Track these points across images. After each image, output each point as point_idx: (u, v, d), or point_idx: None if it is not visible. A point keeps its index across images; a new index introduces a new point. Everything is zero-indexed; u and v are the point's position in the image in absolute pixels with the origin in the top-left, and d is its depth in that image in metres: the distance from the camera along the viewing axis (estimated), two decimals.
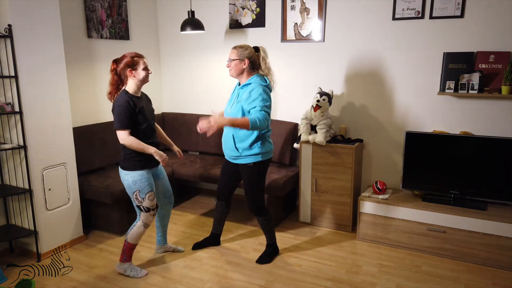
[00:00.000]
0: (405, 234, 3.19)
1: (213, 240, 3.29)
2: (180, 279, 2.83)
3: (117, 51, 3.89)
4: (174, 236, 3.47)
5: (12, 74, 2.83)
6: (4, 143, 2.99)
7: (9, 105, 2.87)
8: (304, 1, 3.68)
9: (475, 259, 2.98)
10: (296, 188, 3.80)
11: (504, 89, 2.96)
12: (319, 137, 3.41)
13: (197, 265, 3.00)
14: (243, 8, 3.98)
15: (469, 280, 2.80)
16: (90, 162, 3.65)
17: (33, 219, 3.03)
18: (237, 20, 4.04)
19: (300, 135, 3.56)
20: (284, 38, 3.86)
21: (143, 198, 2.72)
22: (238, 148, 2.80)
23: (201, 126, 2.60)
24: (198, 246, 3.25)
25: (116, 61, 2.67)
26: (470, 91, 3.06)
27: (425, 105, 3.39)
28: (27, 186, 2.99)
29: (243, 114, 2.72)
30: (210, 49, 4.26)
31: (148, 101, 2.86)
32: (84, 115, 3.77)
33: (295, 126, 3.80)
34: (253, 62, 2.79)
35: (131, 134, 2.63)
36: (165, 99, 4.69)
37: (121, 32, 4.03)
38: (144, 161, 2.70)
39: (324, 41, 3.68)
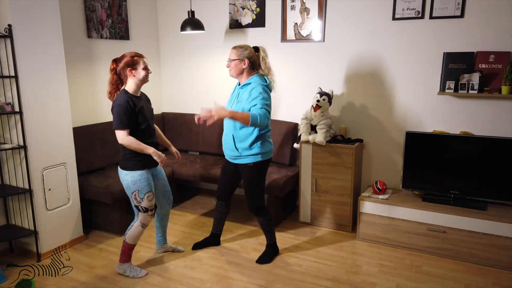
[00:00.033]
0: (405, 234, 3.19)
1: (213, 240, 3.29)
2: (180, 279, 2.83)
3: (117, 51, 3.89)
4: (174, 236, 3.47)
5: (12, 74, 2.83)
6: (4, 143, 2.99)
7: (9, 105, 2.87)
8: (304, 1, 3.68)
9: (475, 259, 2.98)
10: (296, 188, 3.80)
11: (504, 89, 2.96)
12: (319, 137, 3.41)
13: (197, 265, 3.00)
14: (243, 8, 3.98)
15: (469, 280, 2.80)
16: (90, 162, 3.65)
17: (33, 219, 3.03)
18: (237, 20, 4.04)
19: (300, 135, 3.55)
20: (284, 38, 3.86)
21: (142, 198, 2.71)
22: (238, 148, 2.80)
23: (202, 115, 2.59)
24: (198, 246, 3.25)
25: (116, 61, 2.67)
26: (470, 91, 3.06)
27: (425, 105, 3.39)
28: (27, 186, 2.99)
29: None
30: (210, 49, 4.26)
31: (147, 101, 2.86)
32: (84, 115, 3.77)
33: (295, 126, 3.80)
34: (253, 62, 2.79)
35: (131, 134, 2.63)
36: (165, 99, 4.69)
37: (121, 32, 4.04)
38: (144, 161, 2.70)
39: (324, 41, 3.68)
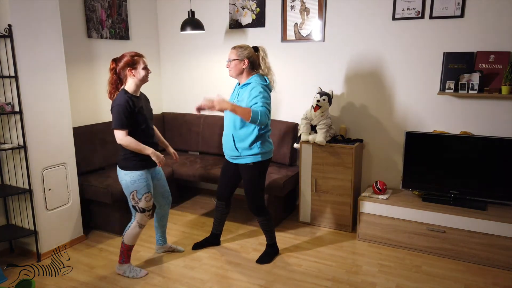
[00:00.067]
0: (405, 234, 3.19)
1: (213, 240, 3.29)
2: (180, 279, 2.83)
3: (117, 51, 3.89)
4: (174, 236, 3.47)
5: (12, 74, 2.83)
6: (4, 143, 2.99)
7: (9, 105, 2.87)
8: (304, 1, 3.68)
9: (475, 259, 2.98)
10: (296, 188, 3.80)
11: (504, 89, 2.96)
12: (319, 137, 3.41)
13: (197, 265, 3.00)
14: (243, 8, 3.98)
15: (469, 280, 2.79)
16: (90, 162, 3.65)
17: (33, 219, 3.03)
18: (237, 20, 4.04)
19: (300, 135, 3.55)
20: (284, 38, 3.86)
21: (140, 199, 2.71)
22: (237, 148, 2.80)
23: (203, 103, 2.59)
24: (198, 246, 3.25)
25: (115, 60, 2.66)
26: (470, 91, 3.06)
27: (425, 105, 3.39)
28: (27, 186, 2.99)
29: None
30: (210, 49, 4.27)
31: (147, 100, 2.85)
32: (84, 115, 3.77)
33: (295, 126, 3.80)
34: (253, 62, 2.78)
35: (131, 134, 2.63)
36: (165, 99, 4.69)
37: (121, 32, 4.04)
38: (144, 161, 2.70)
39: (324, 41, 3.68)
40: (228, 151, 2.89)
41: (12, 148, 2.91)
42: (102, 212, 3.50)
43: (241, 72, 2.79)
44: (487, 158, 3.06)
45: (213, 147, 4.20)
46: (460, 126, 3.29)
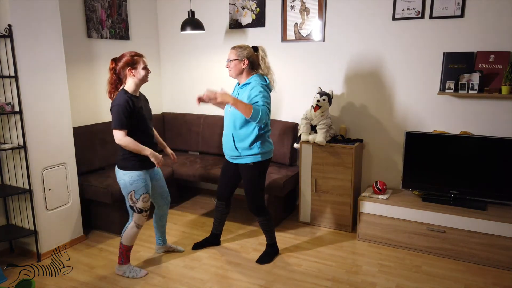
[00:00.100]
0: (405, 234, 3.19)
1: (213, 240, 3.28)
2: (180, 279, 2.82)
3: (117, 51, 3.88)
4: (174, 236, 3.47)
5: (12, 74, 2.83)
6: (4, 143, 2.99)
7: (9, 105, 2.87)
8: (304, 1, 3.68)
9: (475, 259, 2.98)
10: (296, 188, 3.80)
11: (504, 89, 2.96)
12: (319, 137, 3.41)
13: (197, 265, 3.00)
14: (243, 8, 3.98)
15: (469, 280, 2.79)
16: (90, 162, 3.65)
17: (33, 219, 3.03)
18: (237, 20, 4.04)
19: (300, 135, 3.55)
20: (284, 38, 3.86)
21: (138, 199, 2.71)
22: (237, 148, 2.80)
23: (205, 94, 2.61)
24: (198, 246, 3.25)
25: (115, 60, 2.66)
26: (470, 91, 3.06)
27: (425, 105, 3.39)
28: (27, 186, 2.99)
29: None
30: (210, 49, 4.27)
31: (146, 101, 2.85)
32: (84, 115, 3.77)
33: (295, 126, 3.80)
34: (252, 62, 2.78)
35: (130, 134, 2.62)
36: (165, 99, 4.69)
37: (121, 32, 4.04)
38: (142, 161, 2.70)
39: (324, 41, 3.68)
40: (228, 151, 2.89)
41: (12, 148, 2.91)
42: (102, 212, 3.50)
43: (241, 72, 2.79)
44: (487, 158, 3.06)
45: (213, 147, 4.20)
46: (460, 126, 3.29)
